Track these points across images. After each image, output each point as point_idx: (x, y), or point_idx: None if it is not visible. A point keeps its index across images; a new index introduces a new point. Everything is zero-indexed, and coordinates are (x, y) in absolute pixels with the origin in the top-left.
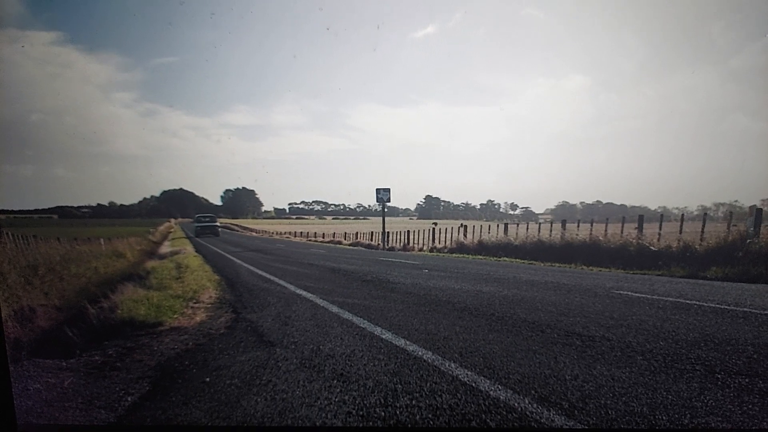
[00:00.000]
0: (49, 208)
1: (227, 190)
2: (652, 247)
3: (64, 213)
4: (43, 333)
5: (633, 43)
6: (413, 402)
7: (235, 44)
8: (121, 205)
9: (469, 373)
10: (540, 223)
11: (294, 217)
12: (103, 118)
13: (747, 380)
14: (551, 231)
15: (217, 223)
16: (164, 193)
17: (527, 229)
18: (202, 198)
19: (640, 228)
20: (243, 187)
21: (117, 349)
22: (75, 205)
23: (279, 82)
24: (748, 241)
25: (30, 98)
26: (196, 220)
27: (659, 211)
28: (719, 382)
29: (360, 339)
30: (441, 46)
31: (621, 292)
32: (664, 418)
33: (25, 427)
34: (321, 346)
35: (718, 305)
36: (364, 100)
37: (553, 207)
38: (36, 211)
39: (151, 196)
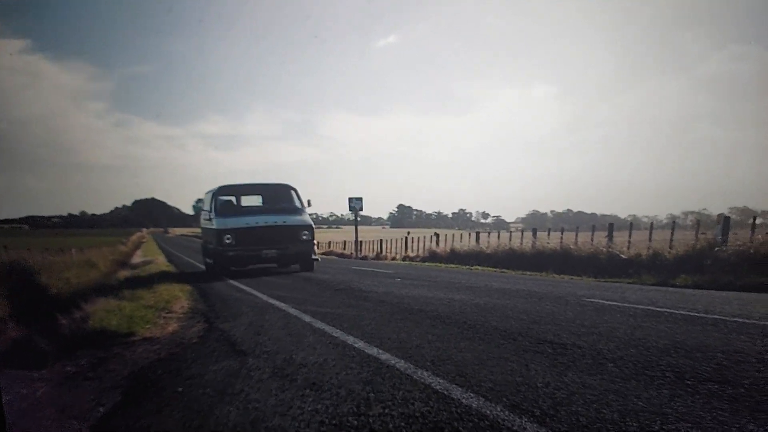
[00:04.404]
0: (19, 219)
1: (199, 200)
2: (622, 255)
3: (35, 223)
4: (14, 343)
5: (599, 52)
6: (386, 410)
7: (208, 54)
8: (93, 214)
9: (442, 381)
10: (511, 232)
11: None
12: (73, 128)
13: (717, 386)
14: (522, 239)
15: (308, 220)
16: (136, 202)
17: (498, 237)
18: (174, 207)
19: (610, 236)
20: None
21: (89, 359)
22: (46, 215)
23: (251, 92)
24: (717, 249)
25: None
26: (220, 210)
27: (629, 219)
28: (689, 389)
29: (333, 348)
30: (406, 55)
31: (592, 300)
32: (634, 424)
33: None
34: (293, 356)
35: (688, 312)
36: (334, 109)
37: (524, 215)
38: (6, 221)
39: (123, 206)
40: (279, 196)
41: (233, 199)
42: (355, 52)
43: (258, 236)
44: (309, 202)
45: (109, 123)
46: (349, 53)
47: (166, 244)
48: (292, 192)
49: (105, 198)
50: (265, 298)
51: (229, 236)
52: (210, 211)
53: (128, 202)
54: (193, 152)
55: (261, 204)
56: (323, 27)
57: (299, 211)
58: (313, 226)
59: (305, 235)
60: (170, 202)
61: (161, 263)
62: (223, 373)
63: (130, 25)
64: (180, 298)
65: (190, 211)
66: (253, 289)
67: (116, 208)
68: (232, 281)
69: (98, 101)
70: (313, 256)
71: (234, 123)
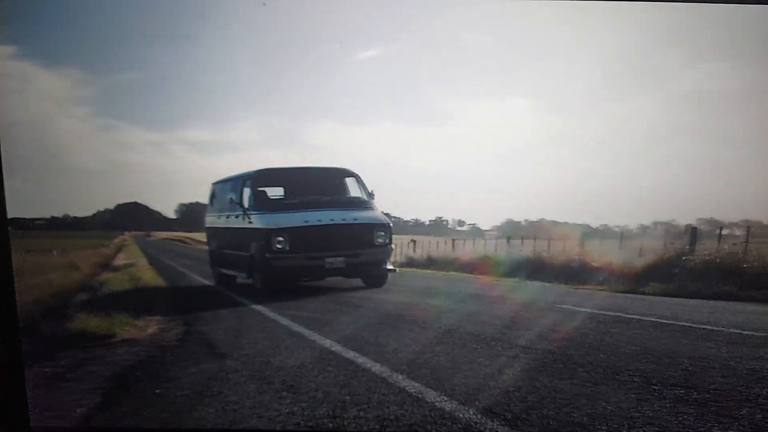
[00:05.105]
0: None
1: (182, 204)
2: (593, 263)
3: (19, 225)
4: None
5: (576, 69)
6: (361, 413)
7: (194, 62)
8: (75, 217)
9: (417, 384)
10: (486, 240)
11: None
12: (60, 132)
13: (683, 392)
14: (497, 247)
15: (383, 217)
16: (118, 206)
17: (474, 244)
18: (156, 211)
19: (581, 245)
20: (197, 202)
21: (69, 360)
22: (30, 217)
23: (236, 98)
24: (684, 258)
25: None
26: (264, 202)
27: (601, 228)
28: (657, 394)
29: (310, 351)
30: (389, 68)
31: (563, 306)
32: (603, 428)
33: (38, 430)
34: (271, 358)
35: (656, 319)
36: (320, 118)
37: (499, 224)
38: None
39: (105, 209)
40: (329, 185)
41: (267, 189)
42: (340, 63)
43: (321, 239)
44: (372, 193)
45: (94, 127)
46: (334, 64)
47: (148, 248)
48: (350, 180)
49: (88, 201)
50: (244, 301)
51: (281, 239)
52: (240, 204)
53: (111, 206)
54: (177, 157)
55: (283, 195)
56: (309, 38)
57: (367, 203)
58: (391, 225)
59: (381, 237)
60: (152, 206)
61: (143, 266)
62: (201, 375)
63: (118, 33)
64: (153, 290)
65: (172, 215)
66: (232, 292)
67: (99, 212)
68: (207, 282)
69: (85, 106)
70: (388, 266)
71: (219, 129)
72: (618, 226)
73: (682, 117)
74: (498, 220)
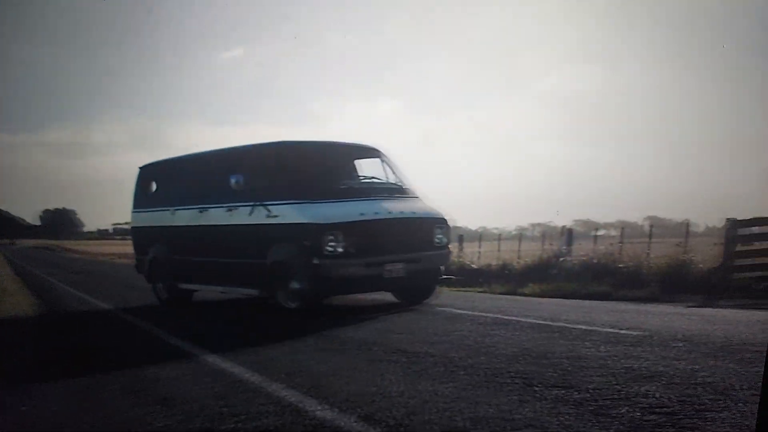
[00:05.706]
0: None
1: (46, 210)
2: (473, 265)
3: None
4: None
5: (443, 70)
6: (239, 425)
7: (52, 59)
8: None
9: (296, 393)
10: None
11: (118, 237)
12: None
13: (563, 392)
14: None
15: (437, 209)
16: None
17: None
18: (19, 218)
19: (460, 247)
20: (63, 207)
21: None
22: None
23: (100, 99)
24: (561, 259)
25: None
26: (299, 187)
27: (479, 231)
28: (537, 395)
29: (185, 362)
30: (257, 69)
31: (444, 308)
32: (485, 430)
33: None
34: (145, 371)
35: (535, 321)
36: (188, 119)
37: None
38: None
39: None
40: (345, 166)
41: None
42: (203, 63)
43: (380, 238)
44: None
45: None
46: (198, 64)
47: (12, 256)
48: (374, 161)
49: None
50: (119, 314)
51: (334, 238)
52: (249, 191)
53: None
54: (38, 161)
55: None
56: (173, 38)
57: (413, 191)
58: (448, 220)
59: (439, 235)
60: (15, 213)
61: (6, 275)
62: (71, 389)
63: None
64: (27, 313)
65: (37, 222)
66: (106, 303)
67: None
68: (72, 290)
69: None
70: (443, 275)
71: (81, 131)
72: (496, 228)
73: (549, 118)
74: None
